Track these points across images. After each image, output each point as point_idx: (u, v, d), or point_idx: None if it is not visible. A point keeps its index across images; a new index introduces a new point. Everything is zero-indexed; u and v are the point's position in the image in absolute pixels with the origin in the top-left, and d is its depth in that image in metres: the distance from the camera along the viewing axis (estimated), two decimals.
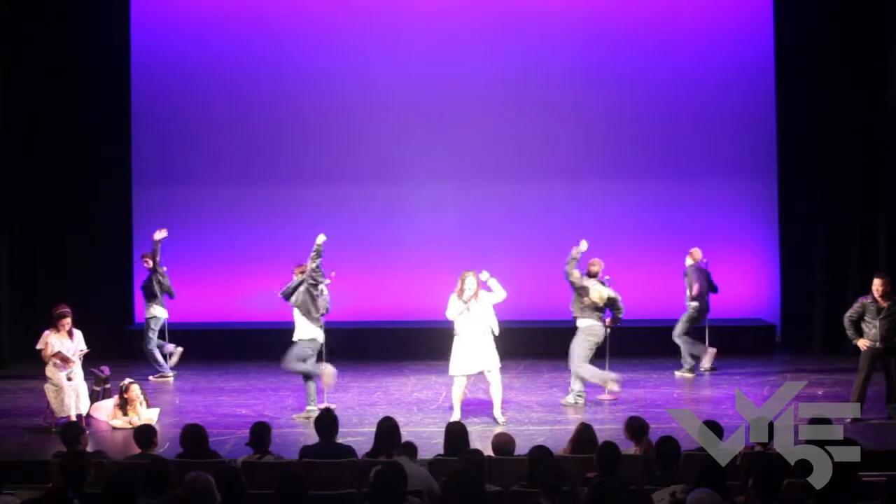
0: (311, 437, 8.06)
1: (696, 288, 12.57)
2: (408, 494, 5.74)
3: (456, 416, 10.02)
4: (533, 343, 13.74)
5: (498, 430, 9.51)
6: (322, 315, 10.76)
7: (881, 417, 10.18)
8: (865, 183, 13.92)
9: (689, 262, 12.78)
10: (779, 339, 14.55)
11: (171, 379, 12.57)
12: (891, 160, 13.66)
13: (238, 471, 6.28)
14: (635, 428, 7.68)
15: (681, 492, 5.95)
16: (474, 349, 10.17)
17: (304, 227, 14.71)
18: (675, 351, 13.07)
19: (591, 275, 11.46)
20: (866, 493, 6.10)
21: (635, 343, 13.05)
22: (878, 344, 10.10)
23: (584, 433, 7.72)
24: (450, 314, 10.22)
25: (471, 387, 10.90)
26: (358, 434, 9.30)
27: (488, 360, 10.23)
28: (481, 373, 10.33)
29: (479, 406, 10.78)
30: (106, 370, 11.02)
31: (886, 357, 10.19)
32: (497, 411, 10.32)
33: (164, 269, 12.73)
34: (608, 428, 9.61)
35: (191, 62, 14.74)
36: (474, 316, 10.17)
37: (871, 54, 13.78)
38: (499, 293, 10.33)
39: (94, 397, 10.58)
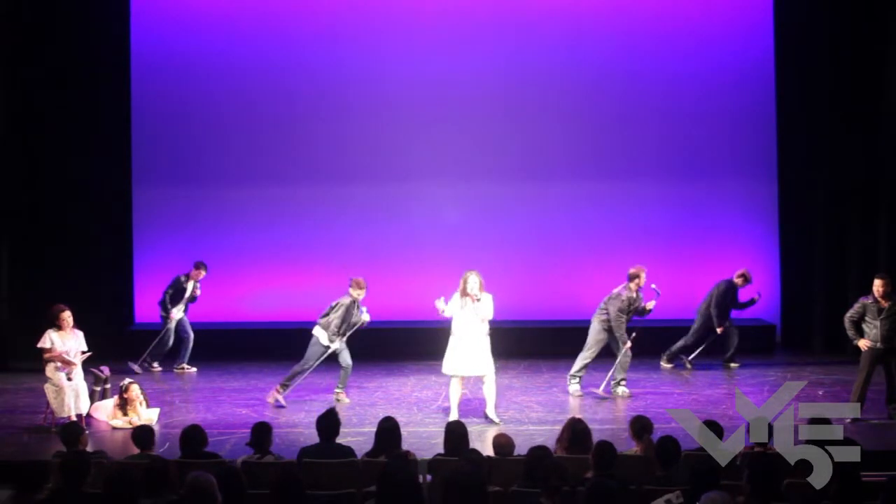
0: (312, 437, 8.06)
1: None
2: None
3: (453, 416, 10.00)
4: (533, 343, 13.74)
5: (494, 430, 9.51)
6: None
7: (881, 417, 10.18)
8: (865, 183, 13.92)
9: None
10: (779, 339, 14.55)
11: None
12: (891, 160, 13.66)
13: (239, 471, 6.28)
14: (639, 426, 7.68)
15: (676, 498, 5.94)
16: (469, 352, 10.15)
17: (304, 227, 14.80)
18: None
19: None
20: (866, 493, 6.10)
21: (635, 343, 13.04)
22: (878, 344, 10.10)
23: (576, 426, 7.69)
24: (448, 311, 10.20)
25: (471, 387, 10.90)
26: (358, 434, 9.29)
27: (483, 365, 10.22)
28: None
29: (479, 406, 10.77)
30: (106, 370, 11.02)
31: (887, 357, 10.19)
32: (490, 411, 10.30)
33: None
34: (608, 428, 9.62)
35: (192, 61, 14.72)
36: (472, 318, 10.15)
37: (871, 54, 13.78)
38: (487, 312, 10.26)
39: (94, 397, 10.58)
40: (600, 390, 11.43)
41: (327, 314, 11.25)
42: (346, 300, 11.24)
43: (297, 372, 11.24)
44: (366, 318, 11.30)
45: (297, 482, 5.80)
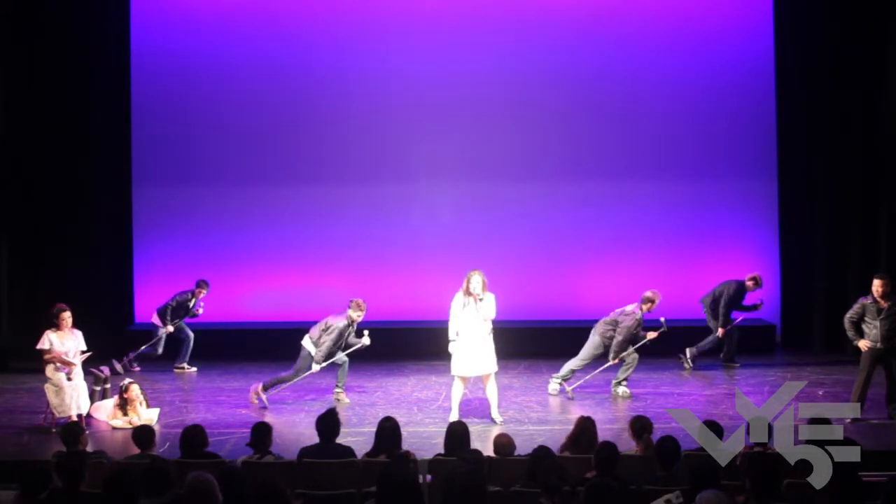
0: (312, 437, 8.06)
1: None
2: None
3: (454, 416, 10.00)
4: (533, 343, 13.73)
5: (497, 430, 9.52)
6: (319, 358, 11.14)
7: (881, 417, 10.18)
8: (865, 183, 13.92)
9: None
10: (779, 339, 14.55)
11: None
12: (891, 160, 13.66)
13: (242, 472, 6.27)
14: (639, 426, 7.69)
15: (676, 498, 5.94)
16: (475, 351, 10.15)
17: (303, 228, 14.79)
18: (674, 351, 13.14)
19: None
20: (866, 493, 6.10)
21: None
22: (878, 344, 10.09)
23: (586, 426, 7.68)
24: (452, 312, 10.18)
25: (471, 387, 10.89)
26: (358, 434, 9.29)
27: (487, 364, 10.22)
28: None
29: (479, 406, 10.78)
30: (106, 370, 11.02)
31: (887, 357, 10.18)
32: (494, 412, 10.31)
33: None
34: (609, 428, 9.61)
35: (191, 61, 14.72)
36: (476, 317, 10.14)
37: (871, 54, 13.78)
38: (490, 312, 10.26)
39: (94, 397, 10.57)
40: (569, 389, 11.46)
41: (321, 334, 11.19)
42: (341, 324, 11.13)
43: (283, 380, 11.24)
44: (366, 341, 11.25)
45: (280, 491, 5.74)
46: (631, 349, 11.53)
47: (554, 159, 14.84)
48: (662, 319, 11.77)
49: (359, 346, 11.28)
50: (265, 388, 11.17)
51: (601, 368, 11.65)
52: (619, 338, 11.49)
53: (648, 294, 11.64)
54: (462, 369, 10.21)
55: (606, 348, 11.61)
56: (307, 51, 14.77)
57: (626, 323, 11.51)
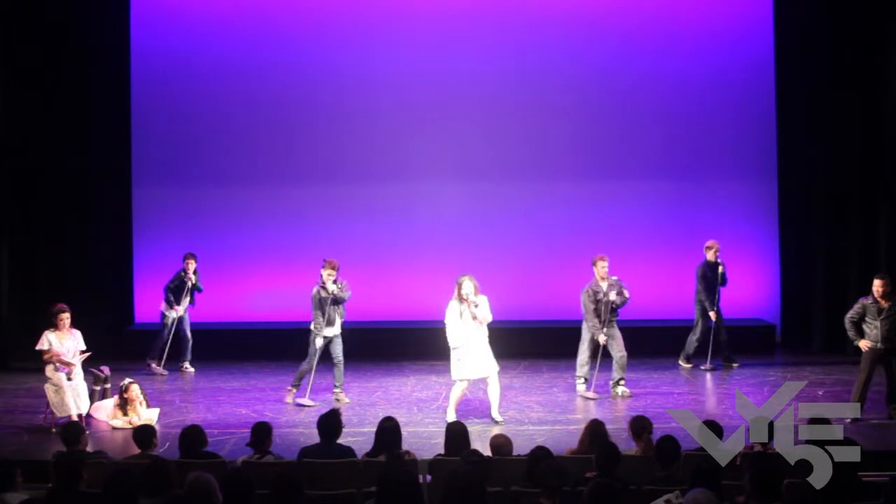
0: (312, 437, 8.06)
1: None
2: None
3: (451, 417, 10.00)
4: (533, 343, 13.73)
5: (496, 430, 9.52)
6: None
7: (881, 417, 10.18)
8: (865, 183, 13.92)
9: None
10: (779, 339, 14.55)
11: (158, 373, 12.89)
12: (891, 160, 13.66)
13: (245, 473, 6.26)
14: (639, 426, 7.69)
15: (676, 498, 5.94)
16: (477, 355, 10.17)
17: (303, 228, 14.79)
18: (674, 351, 13.14)
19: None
20: (866, 493, 6.10)
21: (635, 343, 13.01)
22: (879, 344, 10.09)
23: (596, 429, 7.68)
24: (449, 320, 10.17)
25: (470, 387, 10.90)
26: (358, 434, 9.29)
27: (489, 366, 10.24)
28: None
29: (479, 406, 10.78)
30: (105, 370, 11.02)
31: (888, 357, 10.19)
32: (495, 412, 10.32)
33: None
34: (609, 428, 9.58)
35: (192, 61, 14.72)
36: (473, 323, 10.14)
37: (871, 54, 13.78)
38: (487, 315, 10.26)
39: (94, 397, 10.58)
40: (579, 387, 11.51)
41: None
42: (314, 291, 11.17)
43: (304, 371, 11.24)
44: (331, 287, 11.10)
45: (297, 484, 5.76)
46: (598, 339, 11.44)
47: (553, 159, 14.84)
48: (614, 278, 11.62)
49: (339, 295, 11.11)
50: (294, 387, 11.19)
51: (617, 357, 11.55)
52: (585, 306, 11.46)
53: (594, 258, 11.61)
54: (466, 373, 10.22)
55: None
56: (308, 50, 14.77)
57: (582, 297, 11.51)
